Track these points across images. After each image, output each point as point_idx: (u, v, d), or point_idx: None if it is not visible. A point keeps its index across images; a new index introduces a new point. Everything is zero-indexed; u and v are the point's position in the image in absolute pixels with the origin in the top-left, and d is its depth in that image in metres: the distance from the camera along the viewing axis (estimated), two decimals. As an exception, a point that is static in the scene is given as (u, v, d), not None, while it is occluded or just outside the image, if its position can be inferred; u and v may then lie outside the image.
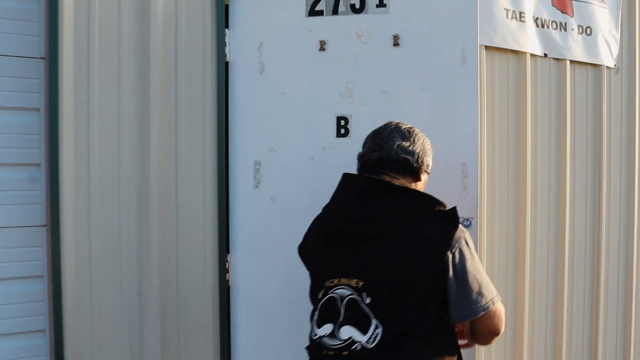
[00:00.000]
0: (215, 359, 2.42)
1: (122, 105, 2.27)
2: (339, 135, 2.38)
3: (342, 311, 1.54)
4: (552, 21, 3.11)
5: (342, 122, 2.37)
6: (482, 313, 1.57)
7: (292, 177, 2.40)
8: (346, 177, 1.78)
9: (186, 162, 2.36)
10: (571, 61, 3.15)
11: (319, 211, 2.26)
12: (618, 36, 3.32)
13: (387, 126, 1.80)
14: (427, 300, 1.55)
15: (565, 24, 3.15)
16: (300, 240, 2.22)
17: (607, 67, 3.28)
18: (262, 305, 2.43)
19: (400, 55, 2.35)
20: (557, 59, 3.13)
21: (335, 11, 2.34)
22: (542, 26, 3.08)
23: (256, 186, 2.41)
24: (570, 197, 3.18)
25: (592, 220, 3.27)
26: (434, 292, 1.56)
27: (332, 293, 1.58)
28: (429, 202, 1.63)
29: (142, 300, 2.29)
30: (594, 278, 3.27)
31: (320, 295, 1.62)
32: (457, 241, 1.57)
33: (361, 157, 1.79)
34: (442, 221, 1.61)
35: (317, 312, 1.63)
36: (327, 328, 1.56)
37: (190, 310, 2.38)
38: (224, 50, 2.38)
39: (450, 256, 1.55)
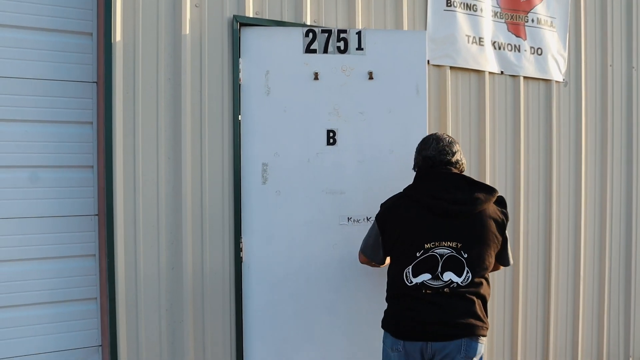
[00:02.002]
0: (231, 319, 2.65)
1: (160, 120, 2.52)
2: (328, 144, 2.70)
3: (441, 263, 2.10)
4: (508, 44, 3.37)
5: (331, 134, 2.69)
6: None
7: (293, 175, 2.66)
8: (435, 171, 2.19)
9: (209, 163, 2.59)
10: (524, 77, 3.42)
11: (315, 202, 2.67)
12: (566, 55, 3.56)
13: (442, 136, 2.25)
14: (494, 256, 2.19)
15: (519, 46, 3.40)
16: (300, 223, 2.64)
17: (556, 81, 3.53)
18: (269, 276, 2.67)
19: (374, 86, 2.73)
20: (512, 76, 3.38)
21: (325, 51, 2.67)
22: (499, 48, 3.34)
23: (264, 182, 2.64)
24: (524, 194, 3.43)
25: (545, 215, 3.52)
26: (497, 251, 2.20)
27: (432, 252, 2.11)
28: (495, 191, 2.21)
29: (175, 273, 2.55)
30: (546, 266, 3.54)
31: (419, 254, 2.11)
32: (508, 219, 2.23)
33: (432, 158, 2.19)
34: (500, 204, 2.22)
35: (411, 267, 2.12)
36: (426, 276, 2.11)
37: (212, 281, 2.61)
38: (238, 75, 2.62)
39: (506, 229, 2.22)
